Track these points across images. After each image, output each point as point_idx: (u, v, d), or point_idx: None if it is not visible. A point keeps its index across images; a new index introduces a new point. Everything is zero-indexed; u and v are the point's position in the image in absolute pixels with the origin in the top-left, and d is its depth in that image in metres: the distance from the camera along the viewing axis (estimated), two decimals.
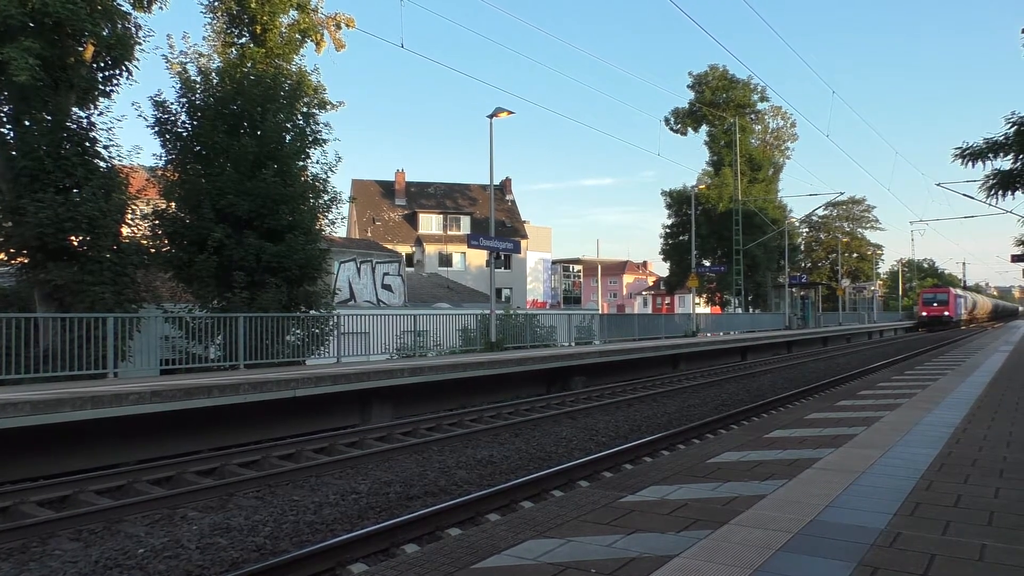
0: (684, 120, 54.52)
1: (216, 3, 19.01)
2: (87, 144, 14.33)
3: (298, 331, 16.14)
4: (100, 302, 13.56)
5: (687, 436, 11.36)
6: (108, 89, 15.23)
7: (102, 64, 14.99)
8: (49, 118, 14.03)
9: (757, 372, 23.46)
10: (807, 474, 5.40)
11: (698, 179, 54.42)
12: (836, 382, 18.76)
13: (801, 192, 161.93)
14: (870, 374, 19.19)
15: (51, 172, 13.50)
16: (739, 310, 50.21)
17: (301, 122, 17.61)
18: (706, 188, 50.24)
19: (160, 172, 16.82)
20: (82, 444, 9.56)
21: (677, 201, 53.95)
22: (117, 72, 15.22)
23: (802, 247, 74.43)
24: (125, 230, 15.34)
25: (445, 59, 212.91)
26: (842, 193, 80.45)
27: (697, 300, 48.78)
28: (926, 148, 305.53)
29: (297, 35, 19.95)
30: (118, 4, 15.08)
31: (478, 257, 52.46)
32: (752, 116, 55.52)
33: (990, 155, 16.86)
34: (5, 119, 14.14)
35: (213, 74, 17.05)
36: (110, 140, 14.78)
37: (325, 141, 17.95)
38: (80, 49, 14.36)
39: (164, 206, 16.46)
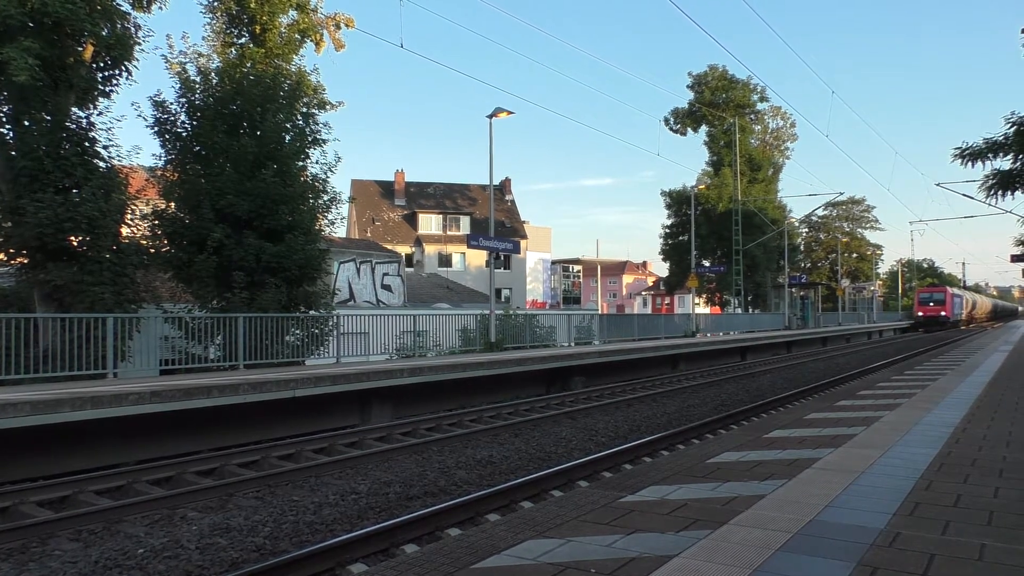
0: (684, 120, 54.56)
1: (215, 3, 19.01)
2: (87, 144, 14.33)
3: (298, 331, 16.14)
4: (100, 302, 13.56)
5: (687, 436, 11.36)
6: (108, 89, 15.24)
7: (102, 64, 15.00)
8: (49, 118, 14.03)
9: (757, 372, 23.46)
10: (807, 474, 5.41)
11: (698, 179, 54.48)
12: (835, 382, 18.77)
13: (801, 192, 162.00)
14: (869, 374, 19.19)
15: (51, 172, 13.49)
16: (739, 310, 50.22)
17: (301, 122, 17.61)
18: (706, 188, 50.27)
19: (160, 172, 16.81)
20: (82, 444, 9.56)
21: (677, 201, 53.98)
22: (117, 72, 15.22)
23: (802, 247, 74.44)
24: (125, 230, 15.33)
25: (445, 59, 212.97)
26: (842, 193, 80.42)
27: (697, 300, 48.79)
28: (926, 148, 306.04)
29: (296, 35, 19.95)
30: (117, 4, 15.09)
31: (478, 257, 52.46)
32: (752, 116, 55.56)
33: (990, 155, 16.87)
34: (5, 119, 14.14)
35: (212, 74, 17.05)
36: (110, 140, 14.81)
37: (325, 141, 17.97)
38: (80, 49, 14.36)
39: (164, 206, 16.45)
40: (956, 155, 17.24)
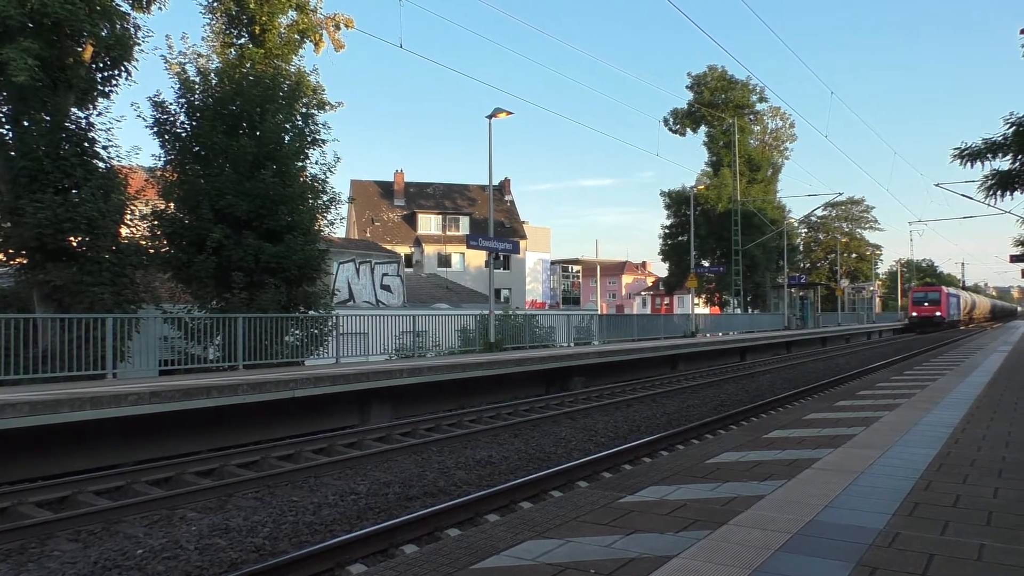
0: (683, 121, 54.60)
1: (215, 4, 19.02)
2: (86, 145, 14.33)
3: (297, 332, 16.14)
4: (99, 303, 13.55)
5: (686, 436, 11.36)
6: (107, 89, 15.25)
7: (101, 64, 15.00)
8: (48, 118, 14.03)
9: (756, 372, 23.46)
10: (806, 474, 5.41)
11: (697, 179, 54.51)
12: (835, 382, 18.77)
13: (800, 192, 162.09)
14: (869, 374, 19.20)
15: (50, 173, 13.49)
16: (738, 310, 50.26)
17: (300, 123, 17.61)
18: (705, 188, 50.29)
19: (159, 172, 16.81)
20: (81, 445, 9.55)
21: (676, 201, 53.99)
22: (116, 72, 15.23)
23: (801, 247, 74.45)
24: (124, 231, 15.34)
25: (444, 59, 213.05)
26: (841, 193, 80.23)
27: (696, 300, 48.78)
28: (925, 148, 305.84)
29: (296, 36, 19.96)
30: (117, 4, 15.09)
31: (477, 257, 52.45)
32: (751, 117, 55.61)
33: (989, 155, 16.87)
34: (4, 119, 14.14)
35: (212, 75, 17.05)
36: (109, 141, 14.83)
37: (324, 141, 17.98)
38: (79, 49, 14.36)
39: (163, 207, 16.46)
40: (955, 155, 17.25)
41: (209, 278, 15.73)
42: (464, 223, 57.50)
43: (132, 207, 15.64)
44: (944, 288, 67.35)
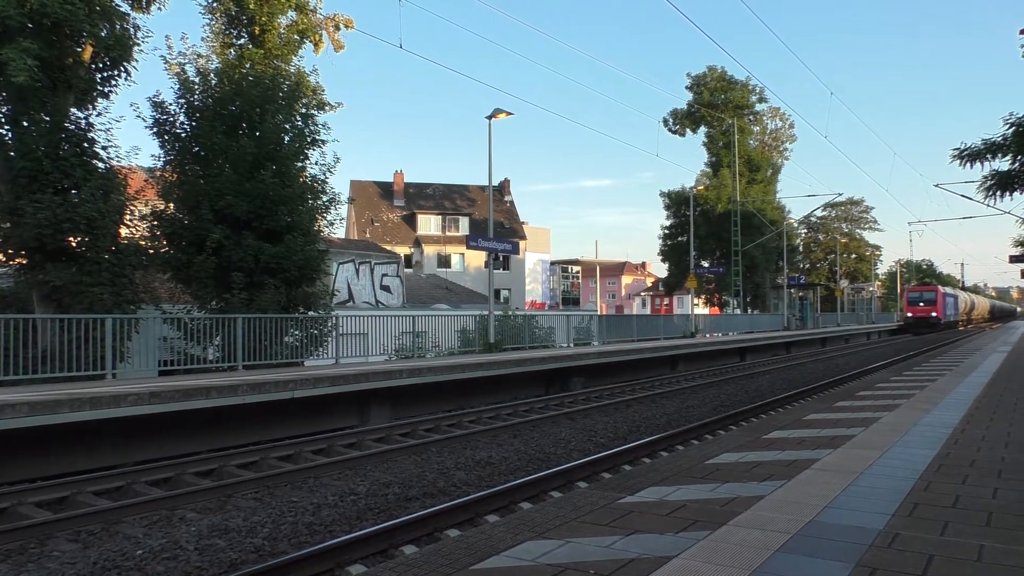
0: (683, 121, 54.63)
1: (215, 4, 19.02)
2: (85, 145, 14.33)
3: (297, 332, 16.13)
4: (99, 303, 13.55)
5: (686, 437, 11.36)
6: (107, 90, 15.24)
7: (100, 65, 14.99)
8: (47, 119, 14.02)
9: (756, 373, 23.47)
10: (806, 475, 5.41)
11: (697, 180, 54.54)
12: (835, 383, 18.77)
13: (799, 193, 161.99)
14: (868, 375, 19.21)
15: (49, 173, 13.49)
16: (738, 311, 50.26)
17: (300, 123, 17.60)
18: (705, 189, 50.31)
19: (159, 173, 16.80)
20: (81, 445, 9.55)
21: (676, 202, 54.01)
22: (115, 73, 15.22)
23: (801, 248, 74.45)
24: (123, 231, 15.33)
25: (444, 59, 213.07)
26: (840, 194, 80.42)
27: (696, 301, 48.80)
28: (924, 149, 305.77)
29: (296, 36, 19.97)
30: (116, 5, 15.09)
31: (477, 258, 52.44)
32: (750, 117, 55.65)
33: (988, 156, 16.85)
34: (3, 120, 14.13)
35: (212, 75, 17.05)
36: (108, 141, 14.81)
37: (324, 142, 17.96)
38: (78, 50, 14.36)
39: (163, 207, 16.45)
40: (955, 156, 17.23)
41: (209, 278, 15.73)
42: (464, 223, 57.50)
43: (132, 207, 15.63)
44: (940, 288, 65.80)
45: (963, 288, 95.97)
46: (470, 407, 14.67)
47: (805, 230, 78.85)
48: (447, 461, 9.74)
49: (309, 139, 17.66)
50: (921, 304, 61.03)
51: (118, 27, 14.96)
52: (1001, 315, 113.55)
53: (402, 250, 51.02)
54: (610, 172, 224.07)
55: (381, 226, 55.69)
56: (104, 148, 14.71)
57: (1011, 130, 16.33)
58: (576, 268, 77.44)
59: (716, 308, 57.29)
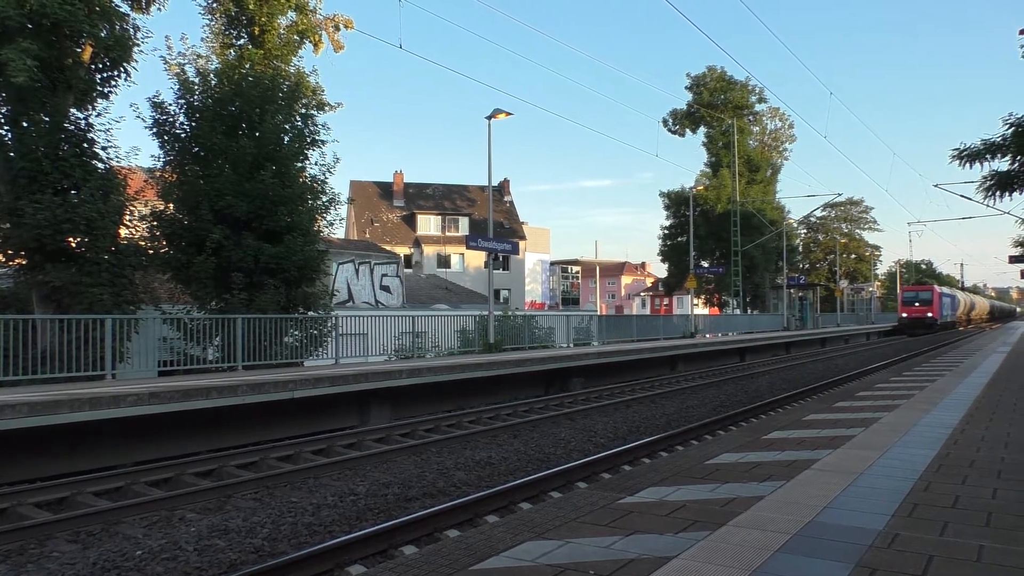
0: (682, 121, 54.65)
1: (214, 4, 19.03)
2: (85, 145, 14.33)
3: (296, 332, 16.13)
4: (98, 303, 13.55)
5: (685, 437, 11.36)
6: (106, 90, 15.25)
7: (100, 65, 15.00)
8: (47, 119, 14.02)
9: (755, 373, 23.47)
10: (805, 475, 5.41)
11: (696, 180, 54.52)
12: (834, 383, 18.78)
13: (799, 193, 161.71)
14: (868, 375, 19.22)
15: (49, 173, 13.49)
16: (737, 311, 50.26)
17: (299, 123, 17.60)
18: (704, 189, 50.31)
19: (158, 173, 16.80)
20: (80, 445, 9.55)
21: (675, 202, 54.02)
22: (115, 73, 15.23)
23: (800, 248, 74.46)
24: (123, 231, 15.33)
25: (443, 60, 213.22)
26: (840, 194, 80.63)
27: (695, 301, 48.81)
28: (924, 149, 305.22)
29: (295, 36, 19.97)
30: (116, 5, 15.09)
31: (476, 258, 52.42)
32: (750, 117, 55.66)
33: (988, 156, 16.85)
34: (3, 120, 14.13)
35: (211, 75, 17.04)
36: (108, 141, 14.81)
37: (323, 142, 17.95)
38: (78, 50, 14.36)
39: (162, 207, 16.45)
40: (954, 156, 17.23)
41: (208, 279, 15.72)
42: (463, 224, 57.50)
43: (131, 208, 15.64)
44: (937, 287, 63.69)
45: (962, 288, 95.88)
46: (470, 407, 14.67)
47: (805, 230, 78.89)
48: (447, 461, 9.74)
49: (309, 139, 17.66)
50: (916, 304, 58.88)
51: (118, 27, 14.97)
52: (1001, 315, 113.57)
53: (402, 250, 51.02)
54: (610, 172, 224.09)
55: (381, 226, 55.69)
56: (104, 148, 14.73)
57: (1010, 130, 16.34)
58: (576, 268, 77.38)
59: (716, 308, 57.29)
